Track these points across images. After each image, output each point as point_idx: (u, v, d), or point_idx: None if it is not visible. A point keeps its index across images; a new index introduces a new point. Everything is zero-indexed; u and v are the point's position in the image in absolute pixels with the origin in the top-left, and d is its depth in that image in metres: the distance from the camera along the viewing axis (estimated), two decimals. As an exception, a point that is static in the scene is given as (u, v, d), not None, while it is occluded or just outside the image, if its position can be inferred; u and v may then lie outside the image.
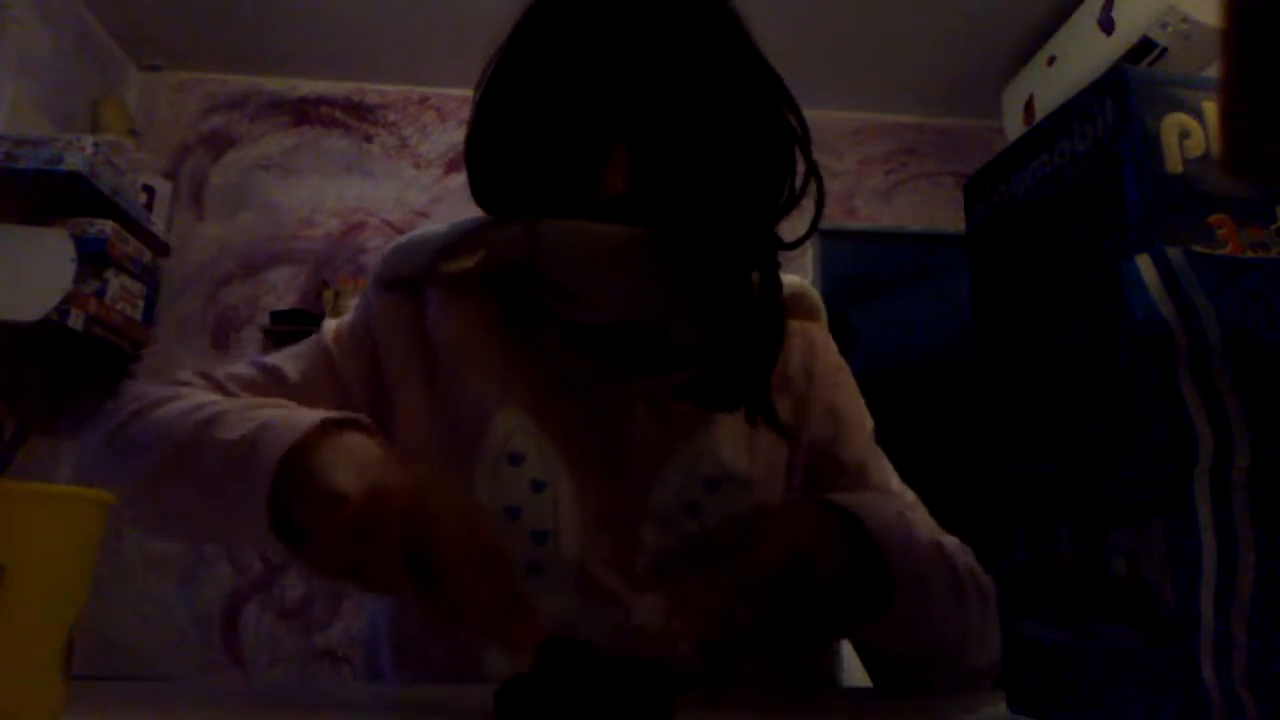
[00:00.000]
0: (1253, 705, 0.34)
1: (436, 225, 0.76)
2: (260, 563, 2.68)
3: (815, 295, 0.81)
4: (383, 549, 0.46)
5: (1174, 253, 0.37)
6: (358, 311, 0.76)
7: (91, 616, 0.37)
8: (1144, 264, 0.37)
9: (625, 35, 0.64)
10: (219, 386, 0.69)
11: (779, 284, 0.69)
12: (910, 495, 0.76)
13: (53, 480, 0.35)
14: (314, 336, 0.75)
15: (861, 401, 0.79)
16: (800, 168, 0.68)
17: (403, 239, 0.78)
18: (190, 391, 0.66)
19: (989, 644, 0.62)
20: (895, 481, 0.77)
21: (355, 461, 0.51)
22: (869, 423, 0.78)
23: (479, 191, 0.72)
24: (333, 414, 0.55)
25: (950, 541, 0.67)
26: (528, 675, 0.47)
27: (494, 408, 0.68)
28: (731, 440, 0.70)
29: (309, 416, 0.54)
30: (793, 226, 0.69)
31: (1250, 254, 0.38)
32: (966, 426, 0.76)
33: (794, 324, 0.76)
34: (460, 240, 0.72)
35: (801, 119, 0.68)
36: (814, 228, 0.68)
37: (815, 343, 0.78)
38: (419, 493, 0.49)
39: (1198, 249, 0.37)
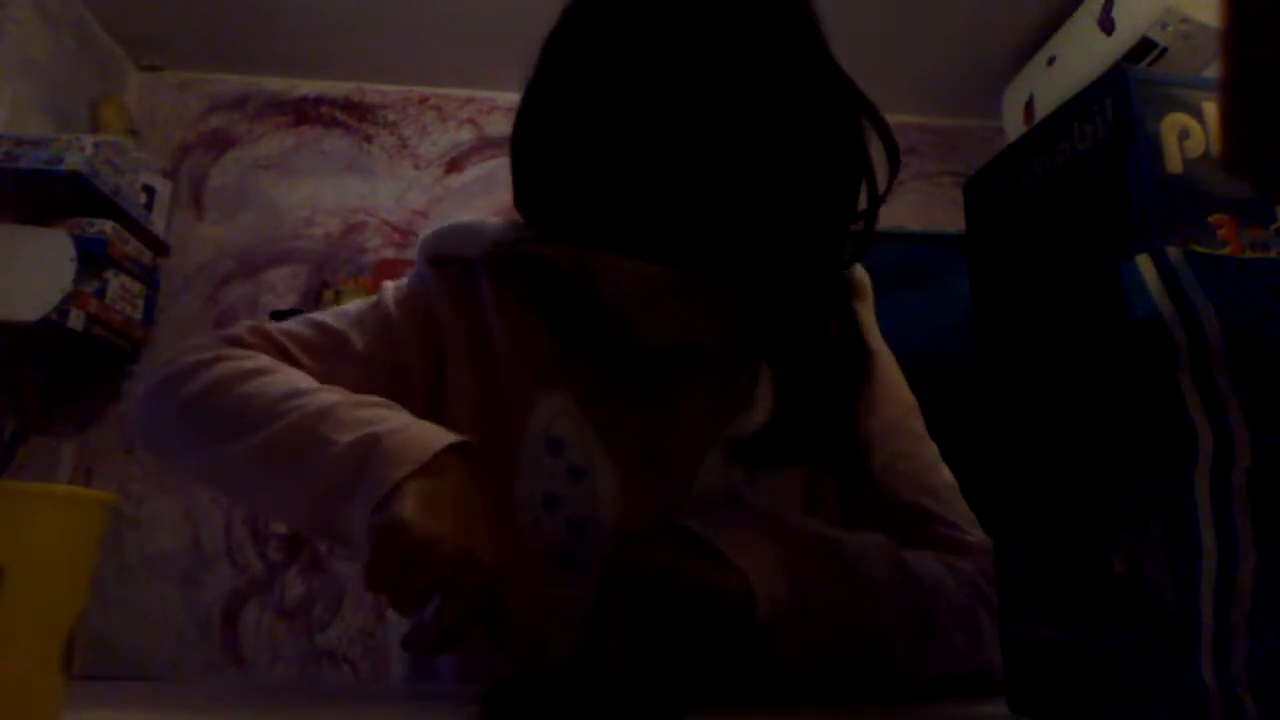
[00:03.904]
0: (1253, 705, 0.34)
1: (490, 220, 0.74)
2: (260, 563, 2.68)
3: (863, 276, 0.79)
4: (403, 598, 0.49)
5: (1174, 253, 0.37)
6: (415, 284, 0.73)
7: (91, 616, 0.37)
8: (1144, 264, 0.37)
9: (668, 84, 0.57)
10: (282, 350, 0.67)
11: (856, 325, 0.70)
12: (941, 478, 0.74)
13: (53, 480, 0.35)
14: (372, 302, 0.72)
15: (893, 385, 0.77)
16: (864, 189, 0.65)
17: (452, 222, 0.75)
18: (273, 365, 0.64)
19: (947, 647, 0.61)
20: (915, 464, 0.73)
21: (440, 499, 0.51)
22: (901, 403, 0.76)
23: (527, 217, 0.69)
24: (446, 439, 0.55)
25: (874, 540, 0.64)
26: (515, 678, 0.47)
27: (538, 392, 0.68)
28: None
29: (425, 444, 0.54)
30: None
31: (1250, 254, 0.38)
32: (967, 426, 0.76)
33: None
34: (514, 235, 0.70)
35: (888, 132, 0.63)
36: (864, 248, 0.66)
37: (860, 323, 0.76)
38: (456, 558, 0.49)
39: (1198, 249, 0.37)
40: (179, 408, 0.63)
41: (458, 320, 0.71)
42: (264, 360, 0.65)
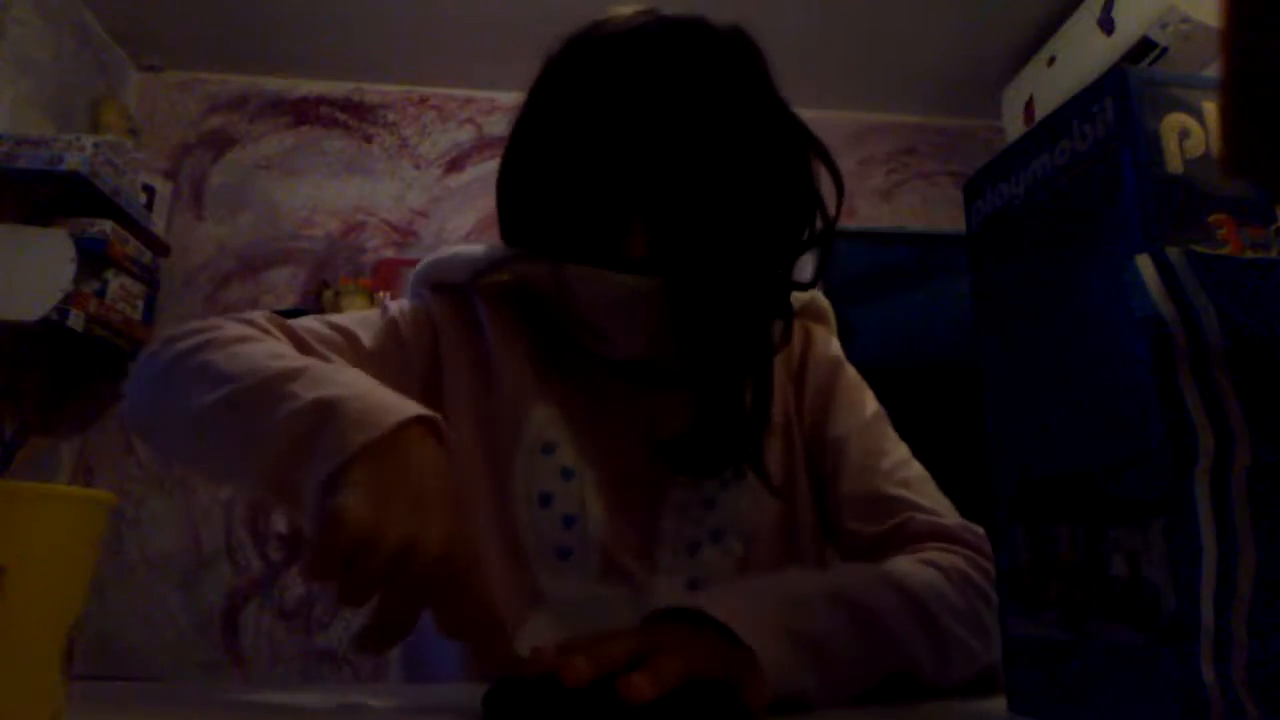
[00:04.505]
0: (1252, 705, 0.34)
1: (472, 246, 0.80)
2: (260, 563, 2.68)
3: (824, 302, 0.87)
4: (345, 590, 0.47)
5: (1174, 253, 0.37)
6: (417, 302, 0.78)
7: (91, 616, 0.37)
8: (1144, 264, 0.37)
9: (647, 97, 0.66)
10: (295, 339, 0.68)
11: (769, 345, 0.74)
12: (915, 471, 0.76)
13: (53, 480, 0.35)
14: (378, 311, 0.76)
15: (860, 390, 0.82)
16: (817, 201, 0.72)
17: (439, 254, 0.81)
18: (269, 336, 0.65)
19: (964, 653, 0.60)
20: (888, 460, 0.76)
21: (392, 481, 0.49)
22: (868, 408, 0.80)
23: (508, 235, 0.76)
24: (414, 410, 0.53)
25: (869, 573, 0.63)
26: (517, 678, 0.47)
27: (531, 402, 0.73)
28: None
29: (391, 411, 0.52)
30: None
31: (1250, 254, 0.38)
32: (966, 426, 0.76)
33: (796, 324, 0.80)
34: (497, 261, 0.76)
35: (831, 165, 0.71)
36: (821, 273, 0.74)
37: (814, 339, 0.82)
38: (416, 539, 0.47)
39: (1198, 249, 0.37)
40: (166, 362, 0.63)
41: (459, 336, 0.76)
42: (260, 332, 0.65)
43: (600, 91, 0.67)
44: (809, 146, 0.70)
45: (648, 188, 0.66)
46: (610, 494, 0.72)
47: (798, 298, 0.79)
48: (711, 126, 0.66)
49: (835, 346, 0.84)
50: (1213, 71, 0.36)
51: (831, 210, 0.71)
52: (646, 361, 0.72)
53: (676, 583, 0.70)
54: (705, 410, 0.72)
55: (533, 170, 0.71)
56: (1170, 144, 0.39)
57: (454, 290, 0.78)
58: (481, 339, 0.76)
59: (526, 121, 0.73)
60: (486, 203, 3.01)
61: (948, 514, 0.73)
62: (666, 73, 0.66)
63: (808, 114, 0.73)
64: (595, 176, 0.67)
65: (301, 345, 0.67)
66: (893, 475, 0.75)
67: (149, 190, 2.75)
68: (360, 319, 0.74)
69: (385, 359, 0.71)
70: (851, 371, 0.82)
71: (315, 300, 2.80)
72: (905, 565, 0.65)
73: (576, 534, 0.70)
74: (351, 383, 0.55)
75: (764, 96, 0.69)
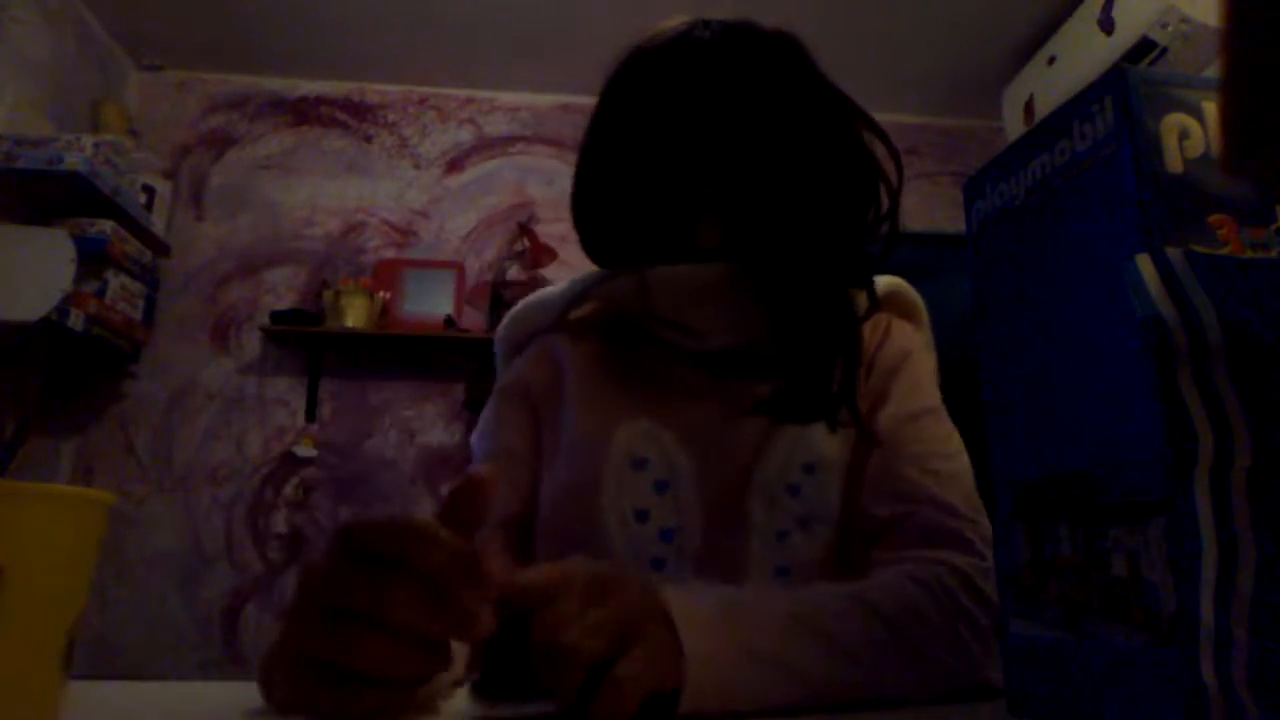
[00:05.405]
0: (1253, 705, 0.34)
1: (551, 286, 0.86)
2: (260, 563, 2.68)
3: (909, 293, 0.87)
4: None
5: (1174, 253, 0.37)
6: (509, 375, 0.84)
7: (91, 616, 0.37)
8: (1144, 264, 0.37)
9: (707, 93, 0.72)
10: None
11: (860, 306, 0.77)
12: (948, 465, 0.73)
13: (53, 480, 0.35)
14: (491, 403, 0.84)
15: (920, 382, 0.79)
16: (882, 187, 0.75)
17: (523, 304, 0.88)
18: None
19: (942, 673, 0.58)
20: (922, 448, 0.73)
21: None
22: (924, 400, 0.77)
23: (589, 246, 0.82)
24: None
25: (839, 594, 0.60)
26: (505, 659, 0.46)
27: (616, 420, 0.75)
28: (824, 427, 0.75)
29: None
30: None
31: (1250, 254, 0.38)
32: (967, 426, 0.76)
33: (880, 316, 0.81)
34: (583, 292, 0.81)
35: (887, 140, 0.75)
36: (891, 244, 0.75)
37: (891, 333, 0.82)
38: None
39: (1198, 249, 0.37)
40: None
41: (545, 385, 0.81)
42: None
43: (666, 89, 0.73)
44: (863, 122, 0.74)
45: (718, 174, 0.70)
46: (704, 490, 0.72)
47: (886, 283, 0.80)
48: (770, 109, 0.71)
49: (914, 339, 0.82)
50: (1213, 71, 0.36)
51: (892, 181, 0.74)
52: (734, 350, 0.74)
53: (766, 571, 0.70)
54: (792, 361, 0.74)
55: (610, 176, 0.77)
56: (1170, 144, 0.39)
57: (536, 337, 0.84)
58: (564, 377, 0.79)
59: (597, 132, 0.78)
60: (486, 202, 3.01)
61: (972, 514, 0.70)
62: (725, 64, 0.72)
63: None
64: (669, 169, 0.71)
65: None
66: (920, 461, 0.72)
67: (149, 190, 2.75)
68: (489, 429, 0.81)
69: (514, 446, 0.79)
70: (920, 363, 0.80)
71: (315, 300, 2.80)
72: (881, 580, 0.63)
73: (674, 547, 0.71)
74: None
75: (814, 78, 0.75)
